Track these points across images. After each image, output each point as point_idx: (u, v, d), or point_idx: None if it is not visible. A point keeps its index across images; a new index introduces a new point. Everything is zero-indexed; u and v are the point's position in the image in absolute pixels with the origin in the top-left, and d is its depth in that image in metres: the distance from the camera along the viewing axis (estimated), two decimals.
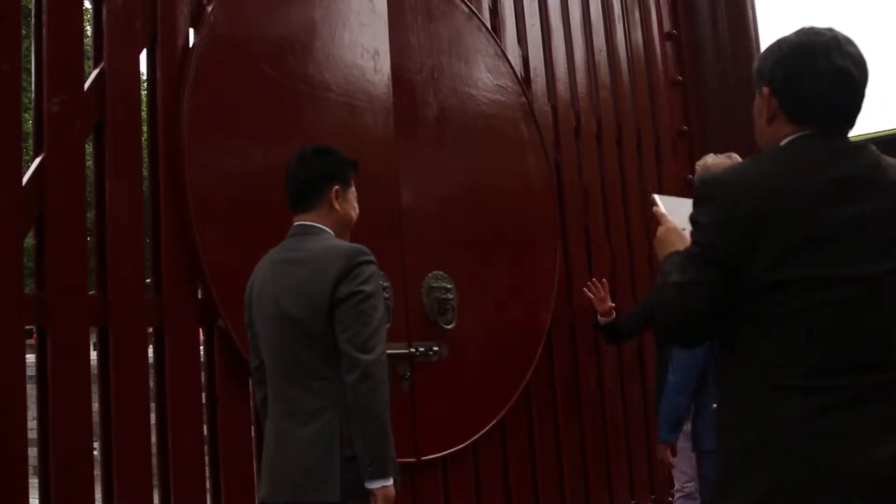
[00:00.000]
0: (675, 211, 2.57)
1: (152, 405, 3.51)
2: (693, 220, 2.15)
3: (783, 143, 2.17)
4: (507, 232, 4.91)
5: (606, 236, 5.61)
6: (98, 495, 3.29)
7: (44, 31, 3.36)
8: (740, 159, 3.85)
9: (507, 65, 5.11)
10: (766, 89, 2.21)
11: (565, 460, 5.05)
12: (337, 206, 3.11)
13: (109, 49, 3.54)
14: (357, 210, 3.21)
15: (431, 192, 4.57)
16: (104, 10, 3.56)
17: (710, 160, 3.92)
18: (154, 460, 3.48)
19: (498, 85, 5.02)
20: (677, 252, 2.34)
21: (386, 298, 4.10)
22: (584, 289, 5.08)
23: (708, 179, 2.18)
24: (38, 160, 3.30)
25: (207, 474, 3.64)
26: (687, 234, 2.41)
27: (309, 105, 4.08)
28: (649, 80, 6.25)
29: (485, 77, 4.96)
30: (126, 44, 3.60)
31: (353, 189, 3.20)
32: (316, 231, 3.08)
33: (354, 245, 3.01)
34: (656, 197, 2.62)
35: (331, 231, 3.09)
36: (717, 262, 2.07)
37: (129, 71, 3.61)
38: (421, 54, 4.65)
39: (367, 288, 2.92)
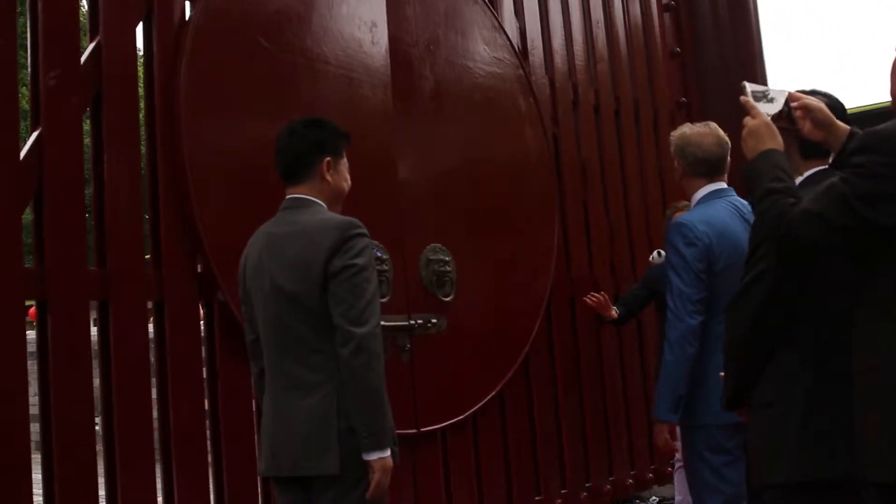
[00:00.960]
0: (763, 102, 2.54)
1: (153, 379, 3.52)
2: (855, 164, 2.18)
3: None
4: (505, 205, 4.91)
5: (604, 208, 5.61)
6: (101, 470, 3.30)
7: (39, 5, 3.34)
8: (718, 129, 3.84)
9: (505, 37, 5.09)
10: None
11: (565, 431, 5.08)
12: (329, 178, 3.10)
13: (105, 23, 3.52)
14: (349, 182, 3.19)
15: (429, 165, 4.56)
16: None
17: (688, 130, 3.91)
18: (156, 434, 3.50)
19: (495, 57, 5.00)
20: (774, 152, 2.36)
21: (385, 271, 4.11)
22: (586, 299, 5.13)
23: (881, 131, 2.20)
24: (35, 135, 3.29)
25: (209, 448, 3.66)
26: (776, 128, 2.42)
27: (306, 78, 4.06)
28: (647, 52, 6.23)
29: (482, 49, 4.94)
30: (122, 17, 3.58)
31: (345, 160, 3.18)
32: (308, 204, 3.07)
33: (346, 218, 3.00)
34: (747, 85, 2.57)
35: (323, 203, 3.08)
36: (860, 212, 2.12)
37: (126, 44, 3.59)
38: (418, 26, 4.63)
39: (360, 261, 2.91)
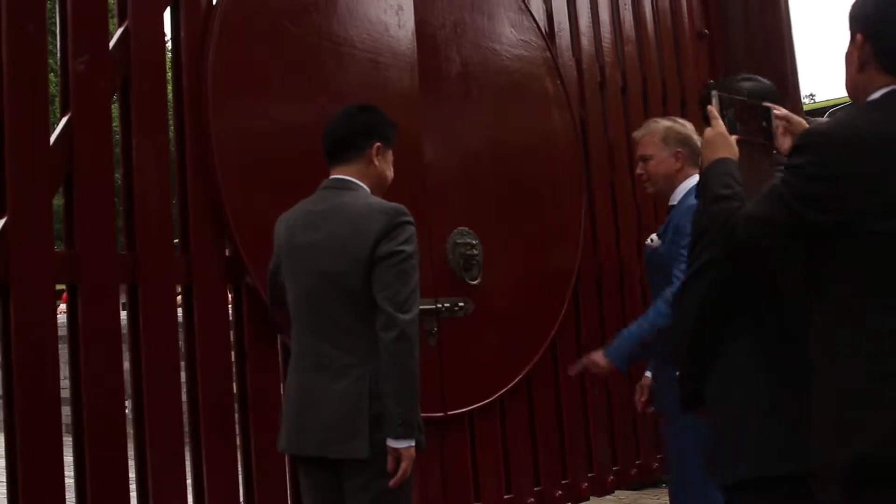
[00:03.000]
0: (733, 112, 2.53)
1: (182, 363, 3.54)
2: (793, 164, 2.17)
3: (877, 96, 2.17)
4: (533, 187, 4.89)
5: (632, 191, 5.58)
6: (131, 452, 3.33)
7: None
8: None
9: (531, 19, 5.06)
10: (859, 36, 2.19)
11: (591, 414, 5.07)
12: (376, 163, 3.11)
13: (133, 8, 3.53)
14: (392, 172, 3.20)
15: (456, 148, 4.55)
16: None
17: (675, 122, 3.97)
18: (185, 417, 3.52)
19: (522, 40, 4.98)
20: (726, 160, 2.37)
21: None
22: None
23: (817, 130, 2.20)
24: (64, 119, 3.31)
25: (237, 430, 3.68)
26: (734, 141, 2.41)
27: (333, 61, 4.06)
28: (675, 33, 6.18)
29: (508, 32, 4.92)
30: (150, 2, 3.58)
31: (391, 152, 3.21)
32: (353, 186, 3.08)
33: (395, 204, 3.01)
34: (714, 94, 2.56)
35: (367, 187, 3.09)
36: (800, 213, 2.12)
37: (154, 29, 3.60)
38: (444, 9, 4.62)
39: (408, 248, 2.93)
